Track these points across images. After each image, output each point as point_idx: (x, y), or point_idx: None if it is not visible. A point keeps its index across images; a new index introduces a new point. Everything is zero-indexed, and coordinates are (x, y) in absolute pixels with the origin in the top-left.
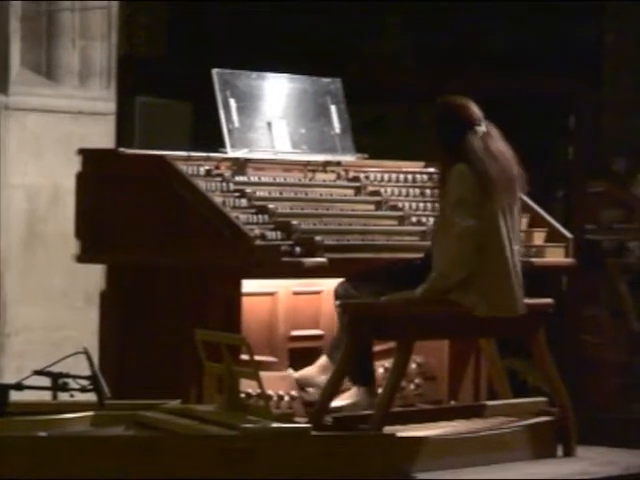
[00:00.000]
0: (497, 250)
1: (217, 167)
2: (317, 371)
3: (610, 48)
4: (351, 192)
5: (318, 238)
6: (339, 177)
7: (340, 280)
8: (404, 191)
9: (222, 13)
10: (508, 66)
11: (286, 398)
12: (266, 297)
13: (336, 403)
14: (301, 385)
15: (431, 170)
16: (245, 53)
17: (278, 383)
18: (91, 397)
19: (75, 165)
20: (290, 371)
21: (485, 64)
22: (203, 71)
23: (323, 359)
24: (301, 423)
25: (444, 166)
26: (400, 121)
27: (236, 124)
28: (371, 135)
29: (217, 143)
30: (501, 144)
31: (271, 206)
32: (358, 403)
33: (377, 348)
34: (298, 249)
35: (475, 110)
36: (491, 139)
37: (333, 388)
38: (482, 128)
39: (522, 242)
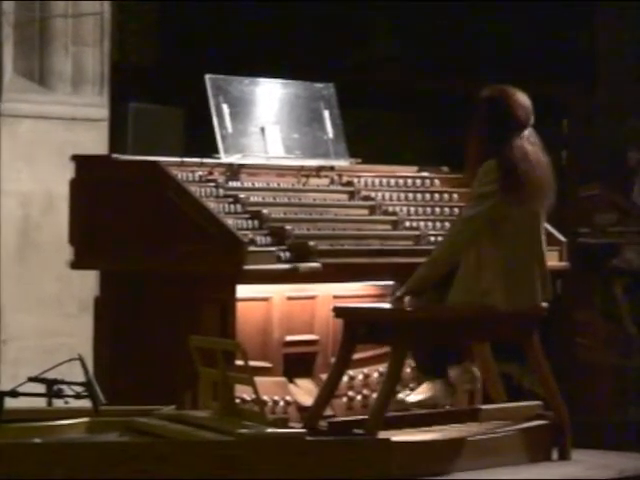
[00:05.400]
0: (520, 248)
1: (210, 173)
2: (432, 391)
3: (603, 52)
4: (345, 197)
5: (312, 243)
6: (333, 182)
7: None
8: (398, 196)
9: (214, 19)
10: (501, 71)
11: (281, 403)
12: (260, 302)
13: (412, 398)
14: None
15: (424, 174)
16: (238, 59)
17: (273, 388)
18: (86, 403)
19: (68, 171)
20: (284, 379)
21: (477, 69)
22: (196, 77)
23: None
24: (296, 428)
25: (476, 162)
26: (393, 126)
27: (229, 130)
28: (364, 140)
29: (210, 149)
30: (540, 152)
31: (265, 211)
32: (435, 397)
33: (371, 353)
34: (292, 254)
35: (529, 111)
36: (531, 145)
37: (329, 392)
38: (526, 132)
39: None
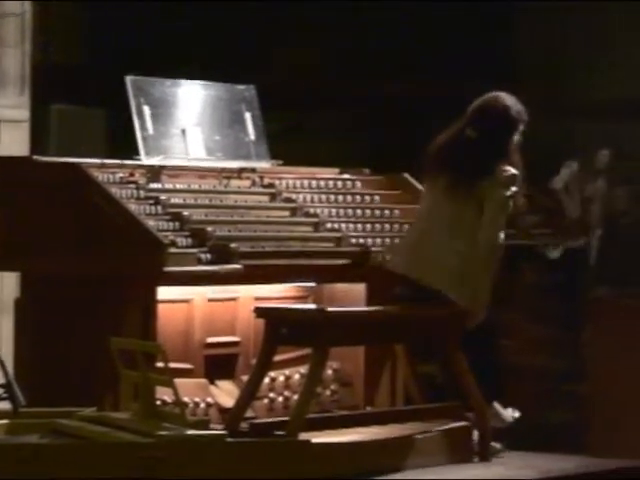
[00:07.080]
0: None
1: (131, 174)
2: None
3: (524, 53)
4: (266, 199)
5: (233, 245)
6: (254, 184)
7: None
8: (319, 197)
9: (137, 20)
10: (427, 71)
11: (202, 405)
12: (181, 304)
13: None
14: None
15: (346, 176)
16: (162, 60)
17: (194, 390)
18: (5, 405)
19: None
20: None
21: (403, 69)
22: (118, 78)
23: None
24: (217, 430)
25: None
26: (317, 128)
27: (150, 131)
28: (289, 142)
29: (133, 150)
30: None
31: (186, 213)
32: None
33: (292, 355)
34: (213, 256)
35: (478, 114)
36: (465, 144)
37: (250, 394)
38: (472, 133)
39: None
